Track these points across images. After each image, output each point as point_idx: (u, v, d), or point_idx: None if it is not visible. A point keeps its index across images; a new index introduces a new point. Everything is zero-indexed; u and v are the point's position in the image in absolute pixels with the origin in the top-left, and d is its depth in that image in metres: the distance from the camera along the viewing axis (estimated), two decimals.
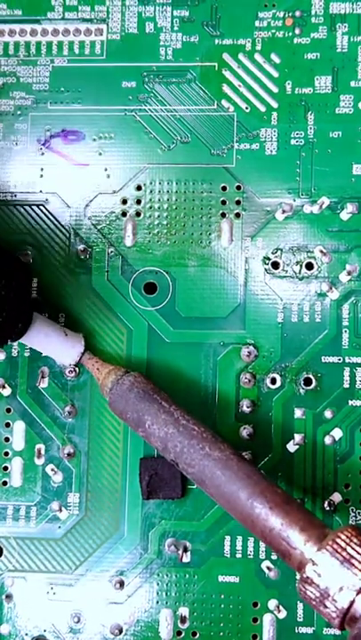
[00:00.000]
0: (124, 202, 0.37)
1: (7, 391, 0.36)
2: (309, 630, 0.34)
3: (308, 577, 0.27)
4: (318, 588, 0.27)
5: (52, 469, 0.36)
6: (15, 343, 0.36)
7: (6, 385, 0.36)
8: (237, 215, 0.36)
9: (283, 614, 0.34)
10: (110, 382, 0.33)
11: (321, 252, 0.35)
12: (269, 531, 0.28)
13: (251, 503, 0.29)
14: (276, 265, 0.36)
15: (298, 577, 0.28)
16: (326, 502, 0.34)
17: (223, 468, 0.30)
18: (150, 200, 0.36)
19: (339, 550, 0.27)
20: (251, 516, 0.29)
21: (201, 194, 0.36)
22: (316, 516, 0.29)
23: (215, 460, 0.30)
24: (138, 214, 0.37)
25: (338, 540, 0.27)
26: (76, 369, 0.36)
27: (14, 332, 0.33)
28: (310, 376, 0.35)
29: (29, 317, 0.34)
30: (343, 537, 0.27)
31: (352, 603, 0.26)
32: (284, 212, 0.36)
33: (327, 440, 0.34)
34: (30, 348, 0.36)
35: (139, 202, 0.37)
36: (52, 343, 0.35)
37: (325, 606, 0.27)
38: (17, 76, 0.38)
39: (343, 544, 0.27)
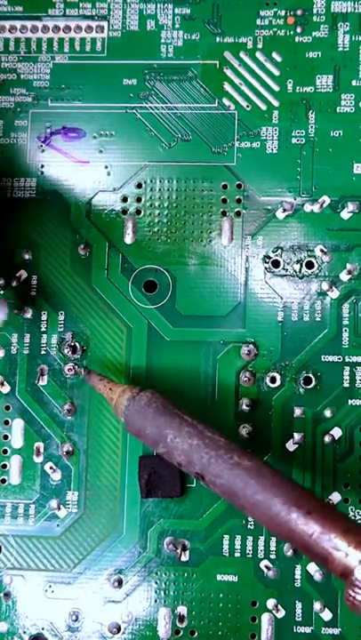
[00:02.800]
0: (125, 200, 0.37)
1: (6, 389, 0.36)
2: (308, 630, 0.34)
3: (358, 579, 0.26)
4: None
5: (51, 467, 0.36)
6: (15, 341, 0.36)
7: (5, 382, 0.36)
8: (238, 214, 0.36)
9: (281, 614, 0.34)
10: (126, 400, 0.32)
11: (321, 250, 0.35)
12: (309, 536, 0.27)
13: (288, 509, 0.28)
14: (276, 264, 0.36)
15: (345, 584, 0.27)
16: (326, 502, 0.34)
17: (256, 476, 0.29)
18: (151, 198, 0.36)
19: None
20: (288, 522, 0.28)
21: (201, 192, 0.36)
22: (354, 520, 0.29)
23: (246, 468, 0.29)
24: (138, 212, 0.36)
25: None
26: (76, 367, 0.36)
27: None
28: (310, 375, 0.35)
29: None
30: None
31: None
32: (284, 210, 0.36)
33: (327, 439, 0.34)
34: (29, 346, 0.36)
35: (139, 200, 0.37)
36: None
37: None
38: (17, 72, 0.37)
39: None
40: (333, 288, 0.35)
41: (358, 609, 0.26)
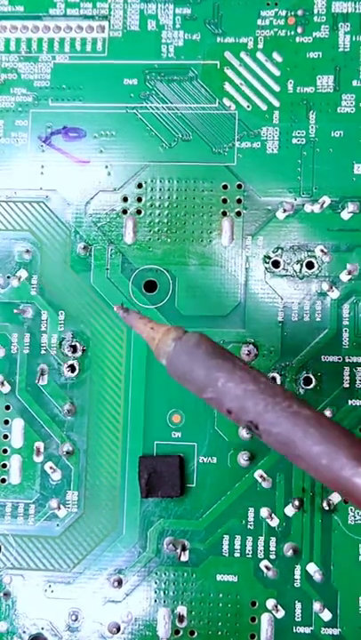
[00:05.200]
0: (125, 199, 0.37)
1: (6, 388, 0.36)
2: (307, 630, 0.34)
3: None
4: None
5: (51, 467, 0.36)
6: (15, 340, 0.36)
7: (5, 382, 0.36)
8: (238, 214, 0.36)
9: (281, 614, 0.34)
10: (172, 340, 0.29)
11: (322, 251, 0.35)
12: None
13: (353, 462, 0.25)
14: (276, 264, 0.36)
15: None
16: (325, 502, 0.34)
17: (317, 425, 0.26)
18: (151, 198, 0.36)
19: None
20: (352, 477, 0.25)
21: (202, 192, 0.36)
22: None
23: (307, 417, 0.26)
24: (138, 212, 0.36)
25: None
26: (75, 367, 0.36)
27: None
28: (310, 375, 0.35)
29: None
30: None
31: None
32: (285, 210, 0.36)
33: None
34: (30, 345, 0.36)
35: (139, 200, 0.37)
36: None
37: None
38: (18, 72, 0.37)
39: None
40: (334, 288, 0.35)
41: None
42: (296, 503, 0.34)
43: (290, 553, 0.34)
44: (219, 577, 0.35)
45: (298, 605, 0.34)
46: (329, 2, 0.37)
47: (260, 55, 0.37)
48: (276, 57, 0.37)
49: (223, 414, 0.28)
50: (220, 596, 0.34)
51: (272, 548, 0.34)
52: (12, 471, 0.36)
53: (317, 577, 0.34)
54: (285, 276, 0.36)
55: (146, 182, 0.37)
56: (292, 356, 0.35)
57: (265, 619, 0.34)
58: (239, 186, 0.36)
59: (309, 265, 0.35)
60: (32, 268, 0.37)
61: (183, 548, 0.35)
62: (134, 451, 0.35)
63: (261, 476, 0.35)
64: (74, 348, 0.36)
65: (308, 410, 0.27)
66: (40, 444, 0.36)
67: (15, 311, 0.36)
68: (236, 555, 0.35)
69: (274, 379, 0.35)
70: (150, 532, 0.35)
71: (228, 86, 0.37)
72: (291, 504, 0.34)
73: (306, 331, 0.35)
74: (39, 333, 0.36)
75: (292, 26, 0.37)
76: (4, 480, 0.36)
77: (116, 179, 0.37)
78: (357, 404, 0.35)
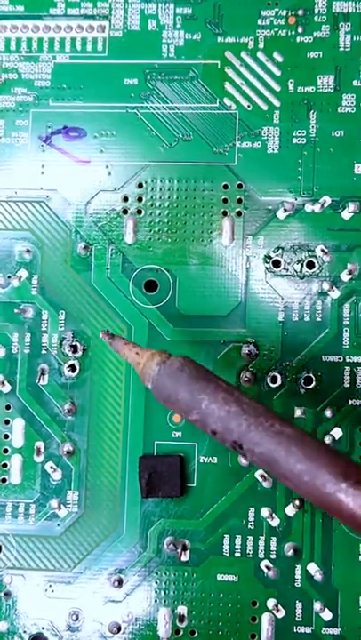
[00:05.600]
0: (126, 199, 0.37)
1: (7, 388, 0.36)
2: (308, 630, 0.34)
3: None
4: None
5: (52, 467, 0.36)
6: (15, 339, 0.36)
7: (6, 382, 0.36)
8: (239, 213, 0.36)
9: (281, 613, 0.34)
10: (156, 364, 0.30)
11: (322, 250, 0.35)
12: (359, 508, 0.25)
13: (335, 479, 0.26)
14: (277, 264, 0.36)
15: None
16: None
17: (300, 444, 0.27)
18: (151, 198, 0.36)
19: None
20: (335, 493, 0.26)
21: (202, 192, 0.36)
22: None
23: (289, 436, 0.27)
24: (139, 212, 0.36)
25: None
26: (76, 366, 0.36)
27: None
28: (311, 375, 0.35)
29: None
30: None
31: None
32: (285, 210, 0.36)
33: (327, 439, 0.34)
34: (30, 345, 0.36)
35: (140, 199, 0.37)
36: None
37: None
38: (18, 72, 0.37)
39: None
40: (334, 288, 0.35)
41: None
42: (297, 503, 0.34)
43: (290, 553, 0.34)
44: (219, 577, 0.35)
45: (298, 605, 0.34)
46: (330, 1, 0.37)
47: (260, 55, 0.37)
48: (277, 57, 0.37)
49: (209, 435, 0.29)
50: (221, 595, 0.34)
51: (273, 548, 0.34)
52: (12, 471, 0.36)
53: (318, 577, 0.34)
54: (286, 275, 0.36)
55: (146, 182, 0.37)
56: (293, 356, 0.35)
57: (265, 618, 0.34)
58: (240, 186, 0.36)
59: (310, 265, 0.35)
60: (33, 267, 0.37)
61: (184, 548, 0.35)
62: (135, 451, 0.35)
63: (262, 476, 0.35)
64: (74, 348, 0.36)
65: (290, 429, 0.27)
66: (41, 444, 0.36)
67: (16, 311, 0.36)
68: (237, 554, 0.35)
69: (274, 378, 0.35)
70: (151, 531, 0.35)
71: (228, 86, 0.37)
72: (291, 504, 0.34)
73: (306, 331, 0.35)
74: (40, 333, 0.36)
75: (292, 25, 0.37)
76: (4, 480, 0.36)
77: (117, 178, 0.37)
78: (357, 403, 0.35)
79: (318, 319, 0.35)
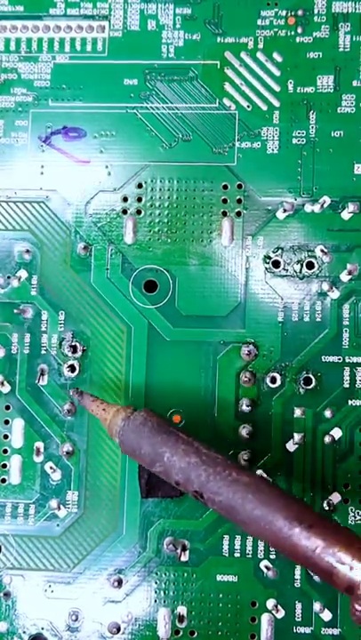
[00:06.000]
0: (125, 200, 0.37)
1: (6, 388, 0.36)
2: (308, 630, 0.34)
3: None
4: None
5: (51, 467, 0.36)
6: (15, 339, 0.36)
7: (5, 382, 0.36)
8: (238, 214, 0.36)
9: (281, 614, 0.34)
10: (120, 420, 0.32)
11: (322, 251, 0.35)
12: (312, 551, 0.27)
13: (289, 524, 0.28)
14: (276, 264, 0.36)
15: (351, 598, 0.27)
16: (325, 502, 0.34)
17: (255, 491, 0.29)
18: (151, 198, 0.36)
19: None
20: (291, 537, 0.27)
21: (202, 192, 0.36)
22: (354, 532, 0.28)
23: (245, 484, 0.29)
24: (138, 212, 0.36)
25: None
26: (75, 367, 0.36)
27: None
28: (310, 375, 0.35)
29: None
30: None
31: None
32: (285, 210, 0.36)
33: (327, 439, 0.34)
34: (30, 345, 0.36)
35: (139, 200, 0.37)
36: None
37: None
38: (18, 72, 0.37)
39: None
40: (334, 288, 0.35)
41: None
42: None
43: None
44: (219, 577, 0.35)
45: (298, 605, 0.34)
46: (329, 2, 0.37)
47: (260, 55, 0.37)
48: (277, 57, 0.37)
49: (174, 485, 0.30)
50: (220, 596, 0.34)
51: (272, 549, 0.34)
52: (12, 471, 0.36)
53: (317, 577, 0.34)
54: (286, 276, 0.36)
55: (146, 182, 0.37)
56: (293, 356, 0.35)
57: (265, 619, 0.34)
58: (239, 186, 0.36)
59: (310, 265, 0.35)
60: (32, 268, 0.37)
61: (183, 549, 0.35)
62: None
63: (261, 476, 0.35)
64: (74, 348, 0.36)
65: (246, 477, 0.29)
66: (40, 444, 0.36)
67: (15, 311, 0.36)
68: (236, 555, 0.35)
69: (274, 379, 0.35)
70: (150, 532, 0.35)
71: (228, 86, 0.37)
72: None
73: (306, 331, 0.35)
74: (39, 333, 0.36)
75: (292, 26, 0.37)
76: (4, 480, 0.36)
77: (116, 179, 0.37)
78: (357, 403, 0.35)
79: (318, 319, 0.35)
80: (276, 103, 0.36)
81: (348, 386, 0.35)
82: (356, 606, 0.26)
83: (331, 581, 0.27)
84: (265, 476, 0.35)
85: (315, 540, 0.27)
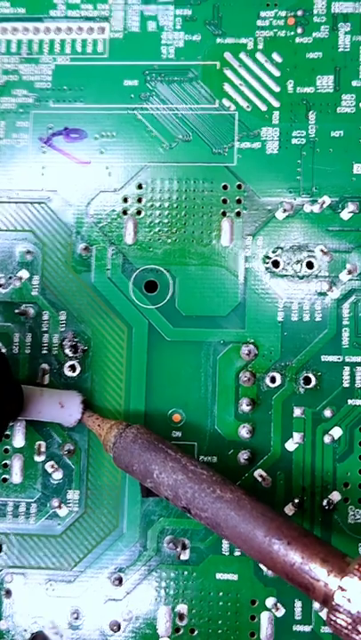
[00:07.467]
0: (126, 200, 0.37)
1: None
2: (307, 628, 0.34)
3: (337, 604, 0.26)
4: (350, 614, 0.26)
5: (52, 466, 0.36)
6: (16, 338, 0.36)
7: None
8: (238, 214, 0.36)
9: (281, 612, 0.34)
10: (113, 437, 0.33)
11: (321, 251, 0.35)
12: (290, 566, 0.28)
13: (269, 540, 0.29)
14: (276, 264, 0.36)
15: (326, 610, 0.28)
16: (325, 501, 0.34)
17: (237, 508, 0.30)
18: (151, 198, 0.37)
19: None
20: (270, 553, 0.28)
21: (202, 192, 0.36)
22: (334, 546, 0.29)
23: (228, 501, 0.30)
24: (139, 213, 0.37)
25: None
26: (76, 367, 0.36)
27: (4, 418, 0.33)
28: (310, 375, 0.35)
29: (18, 401, 0.34)
30: None
31: None
32: (284, 210, 0.36)
33: (326, 439, 0.35)
34: (31, 345, 0.36)
35: (140, 200, 0.37)
36: (48, 416, 0.35)
37: (359, 631, 0.26)
38: (19, 74, 0.38)
39: None
40: (333, 288, 0.35)
41: (340, 632, 0.27)
42: (296, 502, 0.34)
43: None
44: (219, 575, 0.35)
45: (298, 604, 0.34)
46: (329, 2, 0.37)
47: (259, 56, 0.37)
48: (276, 57, 0.37)
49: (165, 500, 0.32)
50: (221, 594, 0.35)
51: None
52: (13, 470, 0.36)
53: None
54: (285, 275, 0.36)
55: (146, 183, 0.37)
56: (292, 356, 0.35)
57: (265, 617, 0.34)
58: (239, 186, 0.36)
59: (309, 265, 0.36)
60: (33, 268, 0.37)
61: (183, 547, 0.35)
62: None
63: (261, 476, 0.35)
64: (75, 349, 0.36)
65: (229, 494, 0.30)
66: (41, 444, 0.36)
67: (17, 311, 0.36)
68: (236, 553, 0.35)
69: (274, 378, 0.35)
70: (151, 530, 0.35)
71: (227, 87, 0.37)
72: (290, 503, 0.34)
73: (306, 330, 0.35)
74: (40, 333, 0.36)
75: (291, 26, 0.37)
76: (5, 479, 0.36)
77: (117, 179, 0.37)
78: (357, 403, 0.35)
79: (318, 319, 0.35)
80: (275, 103, 0.36)
81: (347, 385, 0.35)
82: (331, 617, 0.27)
83: (309, 594, 0.28)
84: (265, 475, 0.35)
85: (293, 555, 0.28)
